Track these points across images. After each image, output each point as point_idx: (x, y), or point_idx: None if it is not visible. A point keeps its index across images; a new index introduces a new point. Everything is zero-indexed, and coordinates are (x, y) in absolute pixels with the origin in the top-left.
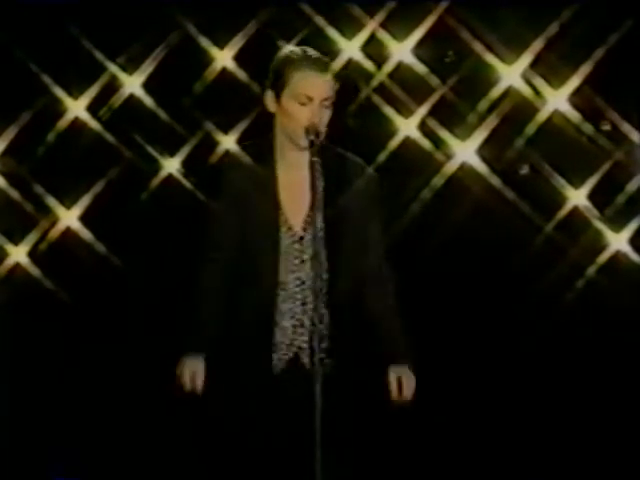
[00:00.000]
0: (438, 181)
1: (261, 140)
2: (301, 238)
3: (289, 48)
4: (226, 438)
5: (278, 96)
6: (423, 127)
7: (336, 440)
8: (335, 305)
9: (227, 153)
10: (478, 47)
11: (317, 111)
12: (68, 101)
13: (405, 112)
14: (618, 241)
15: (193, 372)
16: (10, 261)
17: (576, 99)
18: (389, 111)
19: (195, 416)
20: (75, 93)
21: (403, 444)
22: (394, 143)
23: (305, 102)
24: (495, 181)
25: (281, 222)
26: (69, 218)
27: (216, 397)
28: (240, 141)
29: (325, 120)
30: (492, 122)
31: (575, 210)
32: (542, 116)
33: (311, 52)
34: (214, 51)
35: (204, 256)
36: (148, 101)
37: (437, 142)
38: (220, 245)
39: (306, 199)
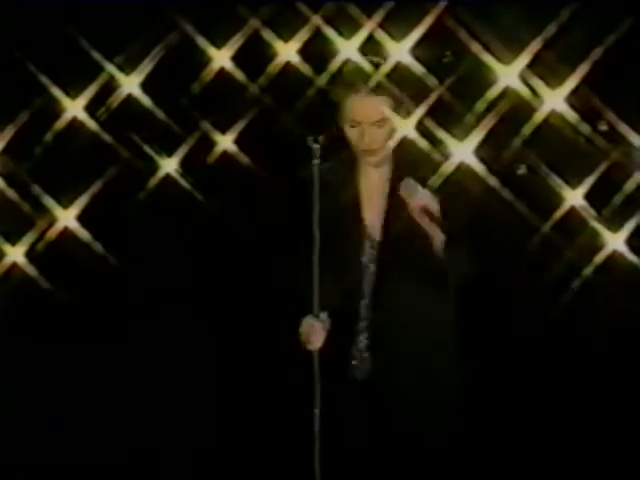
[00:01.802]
0: (435, 181)
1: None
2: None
3: (348, 62)
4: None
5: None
6: (420, 127)
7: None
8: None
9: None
10: (475, 47)
11: (366, 132)
12: (66, 101)
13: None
14: (615, 241)
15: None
16: (7, 261)
17: (573, 99)
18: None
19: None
20: (73, 93)
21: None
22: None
23: (354, 125)
24: (492, 181)
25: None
26: (67, 218)
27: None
28: (237, 141)
29: (380, 138)
30: (489, 122)
31: (572, 210)
32: (539, 116)
33: (362, 71)
34: (212, 51)
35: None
36: (146, 101)
37: (434, 142)
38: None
39: (382, 206)
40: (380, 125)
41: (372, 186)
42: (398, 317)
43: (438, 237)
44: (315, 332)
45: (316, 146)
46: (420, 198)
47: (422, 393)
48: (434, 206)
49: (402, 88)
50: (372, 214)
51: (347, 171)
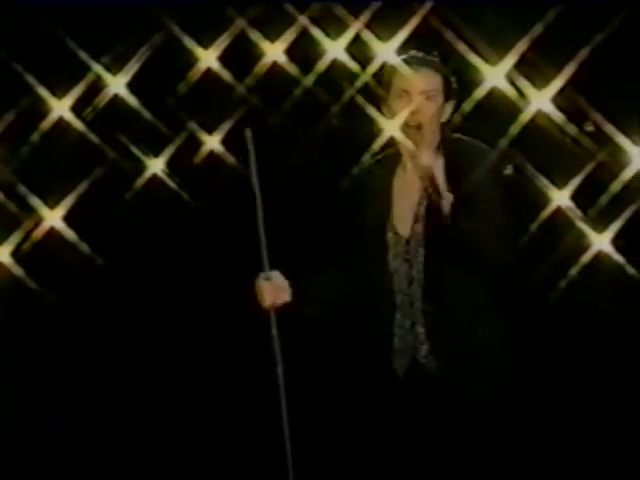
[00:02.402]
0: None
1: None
2: (407, 242)
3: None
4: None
5: (387, 103)
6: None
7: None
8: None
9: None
10: (462, 48)
11: (415, 102)
12: (52, 101)
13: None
14: (601, 242)
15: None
16: None
17: (560, 100)
18: (373, 112)
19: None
20: (59, 93)
21: None
22: (378, 144)
23: (402, 96)
24: None
25: (388, 227)
26: (53, 218)
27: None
28: (224, 141)
29: (428, 111)
30: (475, 122)
31: (558, 211)
32: (526, 117)
33: (412, 53)
34: (199, 51)
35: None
36: (133, 101)
37: None
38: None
39: (414, 203)
40: (429, 97)
41: (408, 187)
42: (449, 307)
43: (445, 198)
44: (264, 290)
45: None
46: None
47: (479, 383)
48: (435, 166)
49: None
50: (403, 212)
51: (385, 173)
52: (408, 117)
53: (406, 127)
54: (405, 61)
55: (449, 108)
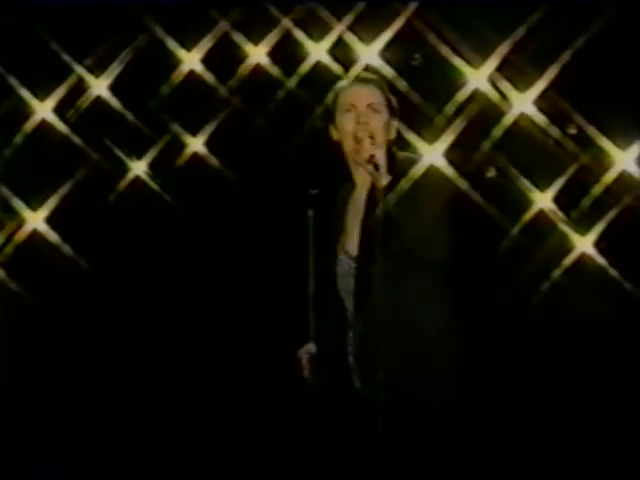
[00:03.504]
0: (405, 184)
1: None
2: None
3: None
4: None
5: (334, 122)
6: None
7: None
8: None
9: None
10: (445, 50)
11: (362, 115)
12: (35, 103)
13: None
14: (584, 244)
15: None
16: None
17: (542, 103)
18: None
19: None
20: (42, 95)
21: None
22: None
23: (350, 109)
24: (462, 184)
25: (339, 247)
26: (35, 220)
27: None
28: (207, 144)
29: (375, 124)
30: (459, 125)
31: (541, 213)
32: (508, 119)
33: (356, 74)
34: (181, 53)
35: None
36: (115, 103)
37: (404, 145)
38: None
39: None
40: (375, 110)
41: (357, 208)
42: (389, 321)
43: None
44: (303, 362)
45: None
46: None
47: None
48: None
49: None
50: (353, 232)
51: (342, 200)
52: (358, 128)
53: (356, 144)
54: (348, 81)
55: (394, 126)
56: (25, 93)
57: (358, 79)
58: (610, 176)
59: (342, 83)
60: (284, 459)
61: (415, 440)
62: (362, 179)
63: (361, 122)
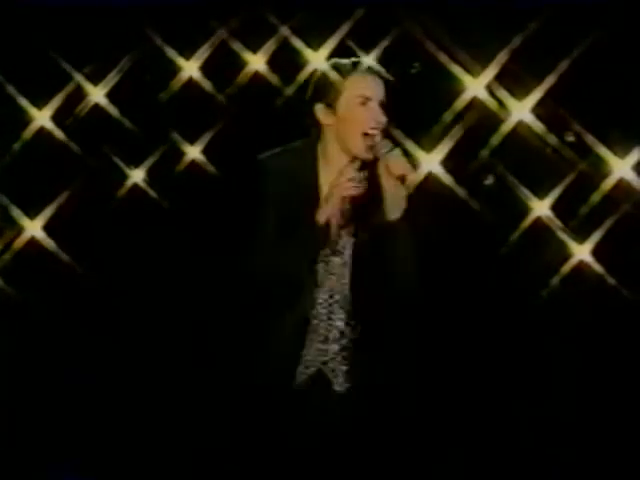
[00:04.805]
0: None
1: (301, 146)
2: (335, 251)
3: (332, 60)
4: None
5: (332, 106)
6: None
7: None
8: (359, 320)
9: (271, 154)
10: (443, 58)
11: (377, 112)
12: (33, 111)
13: None
14: (582, 252)
15: None
16: None
17: (540, 110)
18: None
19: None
20: (40, 103)
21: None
22: None
23: (365, 102)
24: (460, 191)
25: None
26: (33, 228)
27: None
28: (205, 152)
29: (385, 124)
30: (457, 133)
31: (539, 221)
32: (506, 127)
33: (361, 60)
34: (180, 61)
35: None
36: (113, 111)
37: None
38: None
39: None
40: (385, 107)
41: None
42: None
43: (401, 197)
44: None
45: None
46: (397, 163)
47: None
48: (410, 172)
49: None
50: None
51: (310, 161)
52: (375, 123)
53: (363, 137)
54: (355, 65)
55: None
56: (23, 101)
57: (369, 69)
58: (608, 184)
59: (344, 64)
60: (268, 459)
61: (394, 442)
62: (344, 162)
63: (378, 121)
